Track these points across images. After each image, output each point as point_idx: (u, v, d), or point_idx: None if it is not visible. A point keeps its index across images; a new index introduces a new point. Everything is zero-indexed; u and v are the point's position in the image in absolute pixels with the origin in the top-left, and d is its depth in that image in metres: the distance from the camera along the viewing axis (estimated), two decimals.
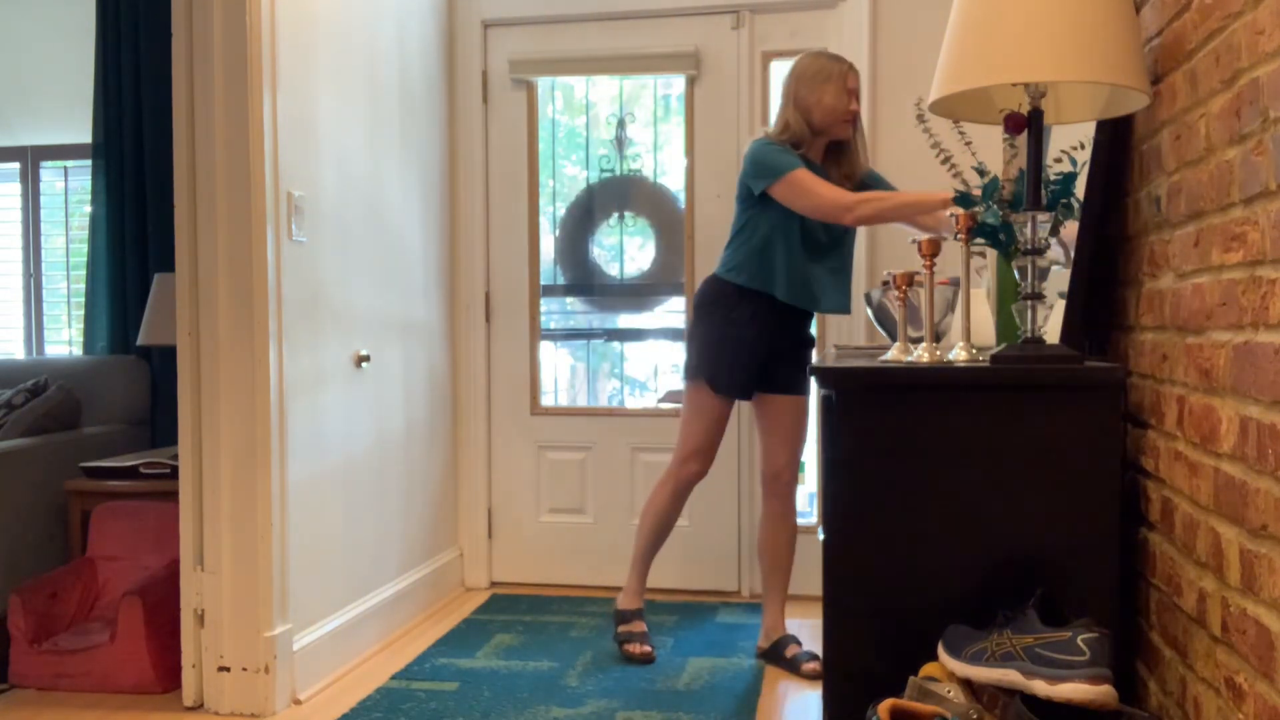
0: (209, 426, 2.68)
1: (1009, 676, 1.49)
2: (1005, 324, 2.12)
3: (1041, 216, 1.73)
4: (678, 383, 3.83)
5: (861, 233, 3.53)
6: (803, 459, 3.15)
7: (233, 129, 2.63)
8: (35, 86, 4.52)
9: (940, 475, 1.74)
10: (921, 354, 1.87)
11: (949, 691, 1.55)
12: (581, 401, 3.99)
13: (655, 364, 3.95)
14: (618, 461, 3.86)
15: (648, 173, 3.88)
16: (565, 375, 4.02)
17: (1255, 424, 1.23)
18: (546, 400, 3.97)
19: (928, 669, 1.64)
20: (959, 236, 1.88)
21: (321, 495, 2.92)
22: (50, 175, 4.57)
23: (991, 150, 3.15)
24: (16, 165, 4.57)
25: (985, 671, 1.53)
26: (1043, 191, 1.76)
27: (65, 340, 4.57)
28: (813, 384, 3.01)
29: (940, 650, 1.64)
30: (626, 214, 3.90)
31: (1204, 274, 1.43)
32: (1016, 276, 1.79)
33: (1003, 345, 1.89)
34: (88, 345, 4.18)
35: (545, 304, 3.95)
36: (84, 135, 4.33)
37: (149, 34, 3.99)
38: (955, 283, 2.35)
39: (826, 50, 3.16)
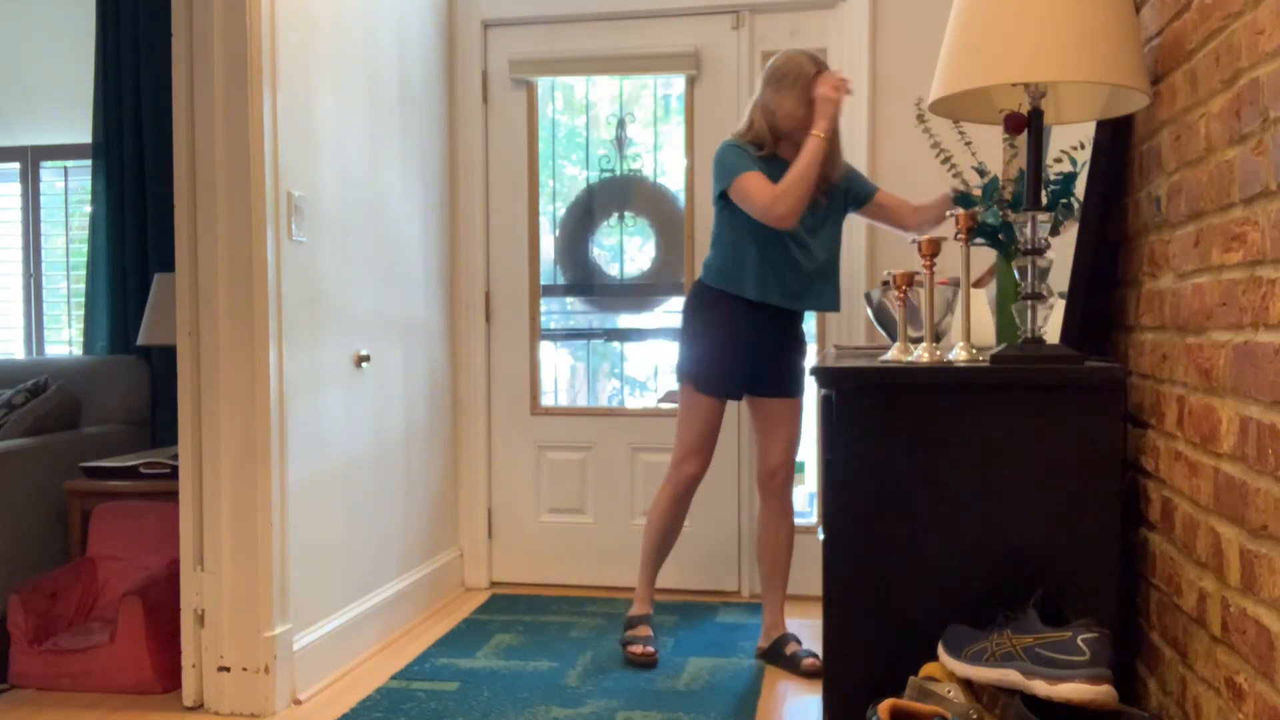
0: (209, 426, 2.68)
1: (1009, 676, 1.49)
2: (1005, 324, 2.12)
3: (1041, 216, 1.73)
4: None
5: (861, 233, 3.53)
6: (802, 459, 3.14)
7: (233, 129, 2.63)
8: (35, 86, 4.52)
9: (940, 475, 1.74)
10: (921, 354, 1.87)
11: (949, 691, 1.56)
12: (581, 401, 4.00)
13: (655, 364, 3.95)
14: (618, 462, 3.86)
15: (648, 173, 3.88)
16: (565, 375, 4.02)
17: (1255, 424, 1.23)
18: (546, 400, 3.96)
19: (928, 669, 1.65)
20: (959, 237, 1.88)
21: (321, 495, 2.92)
22: (50, 175, 4.57)
23: (991, 150, 3.15)
24: (16, 165, 4.57)
25: (985, 671, 1.53)
26: (1043, 191, 1.76)
27: (65, 340, 4.57)
28: (812, 384, 3.00)
29: (940, 650, 1.64)
30: (626, 214, 3.90)
31: (1204, 274, 1.43)
32: (1016, 276, 1.79)
33: (1003, 345, 1.89)
34: (88, 345, 4.18)
35: (545, 304, 3.95)
36: (84, 135, 4.33)
37: (149, 34, 3.99)
38: (955, 282, 2.35)
39: (806, 51, 2.94)
